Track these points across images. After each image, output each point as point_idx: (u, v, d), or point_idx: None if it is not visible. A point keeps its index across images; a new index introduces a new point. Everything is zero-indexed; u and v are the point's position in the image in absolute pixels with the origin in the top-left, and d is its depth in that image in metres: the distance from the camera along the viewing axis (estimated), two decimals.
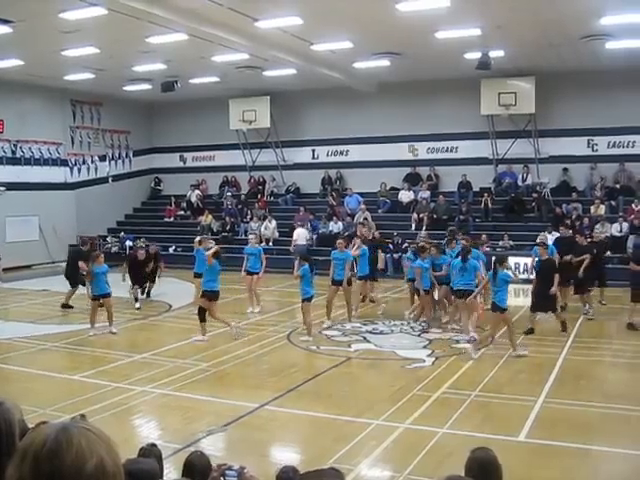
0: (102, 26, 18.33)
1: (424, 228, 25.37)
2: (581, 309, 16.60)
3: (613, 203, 25.43)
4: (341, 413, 9.65)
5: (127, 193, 33.12)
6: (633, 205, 24.42)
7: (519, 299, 18.75)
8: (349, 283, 16.63)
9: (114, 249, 29.78)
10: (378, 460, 8.18)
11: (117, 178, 32.55)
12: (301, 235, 26.20)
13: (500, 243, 23.78)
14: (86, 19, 17.23)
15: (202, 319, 14.60)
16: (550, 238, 19.80)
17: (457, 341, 14.32)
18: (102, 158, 31.85)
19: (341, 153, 30.67)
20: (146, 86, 27.69)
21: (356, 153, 30.03)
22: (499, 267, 13.23)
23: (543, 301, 14.86)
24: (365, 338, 14.85)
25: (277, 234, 27.51)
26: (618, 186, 25.97)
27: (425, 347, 13.99)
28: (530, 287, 16.97)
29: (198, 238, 18.36)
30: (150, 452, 4.86)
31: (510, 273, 14.92)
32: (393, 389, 11.05)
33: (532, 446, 8.44)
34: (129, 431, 9.07)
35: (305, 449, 8.82)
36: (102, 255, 16.02)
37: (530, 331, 14.78)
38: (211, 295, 14.61)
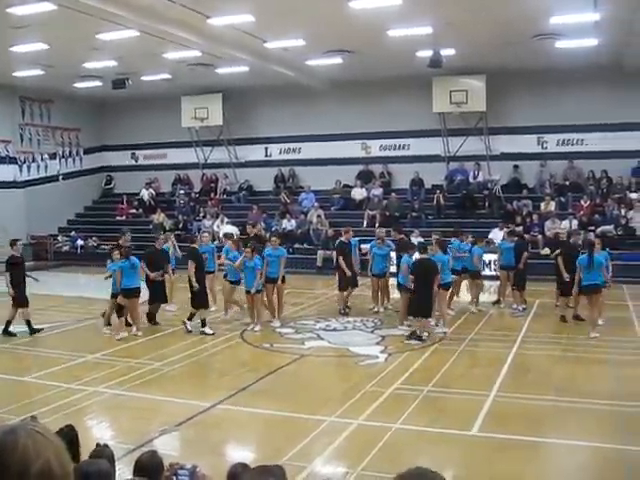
0: (52, 22, 18.03)
1: (377, 225, 25.48)
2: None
3: (562, 200, 25.84)
4: (295, 410, 9.65)
5: (78, 191, 32.65)
6: (582, 202, 24.84)
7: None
8: (282, 280, 16.57)
9: (65, 248, 29.43)
10: (332, 457, 8.21)
11: (68, 176, 32.10)
12: (228, 229, 26.63)
13: (452, 240, 23.92)
14: (35, 14, 16.91)
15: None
16: (499, 235, 19.96)
17: (422, 339, 14.22)
18: (52, 156, 31.34)
19: (294, 151, 30.67)
20: (97, 83, 27.34)
21: (309, 151, 30.04)
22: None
23: (419, 305, 14.27)
24: (319, 335, 14.87)
25: (237, 230, 27.37)
26: (567, 183, 26.42)
27: (378, 343, 14.05)
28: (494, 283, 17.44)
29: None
30: (102, 453, 4.81)
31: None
32: (346, 386, 11.10)
33: (484, 440, 8.54)
34: (81, 432, 8.84)
35: (259, 447, 8.81)
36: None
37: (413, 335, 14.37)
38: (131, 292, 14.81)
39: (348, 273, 17.03)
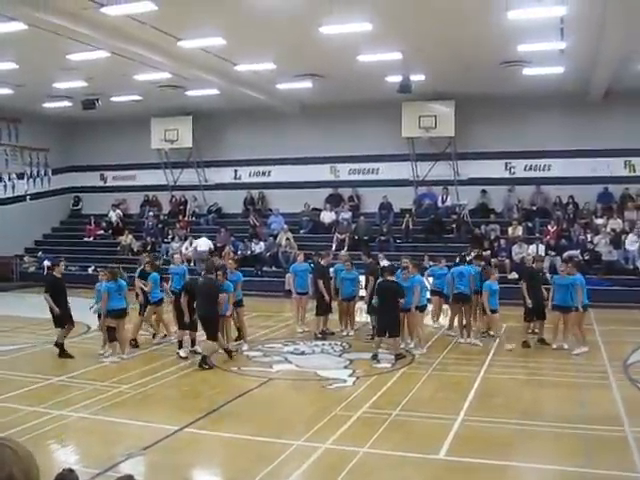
0: (22, 41, 17.99)
1: (345, 248, 25.52)
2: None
3: (530, 225, 26.11)
4: (262, 434, 9.60)
5: (46, 212, 32.42)
6: (549, 227, 25.14)
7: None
8: (241, 304, 16.47)
9: (31, 269, 29.13)
10: None
11: (35, 196, 31.86)
12: (202, 244, 27.00)
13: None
14: (5, 33, 16.87)
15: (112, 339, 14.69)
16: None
17: (378, 361, 14.37)
18: (20, 176, 31.13)
19: (263, 174, 30.73)
20: (67, 103, 27.24)
21: (278, 174, 30.14)
22: None
23: (386, 325, 14.52)
24: (287, 359, 14.82)
25: (211, 245, 27.25)
26: (534, 208, 26.75)
27: (346, 367, 14.04)
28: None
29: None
30: (67, 478, 4.74)
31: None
32: (314, 409, 11.06)
33: (451, 463, 8.56)
34: (45, 456, 8.82)
35: (225, 471, 8.76)
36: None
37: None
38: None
39: (327, 298, 17.16)
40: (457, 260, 18.22)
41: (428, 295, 17.31)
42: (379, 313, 14.83)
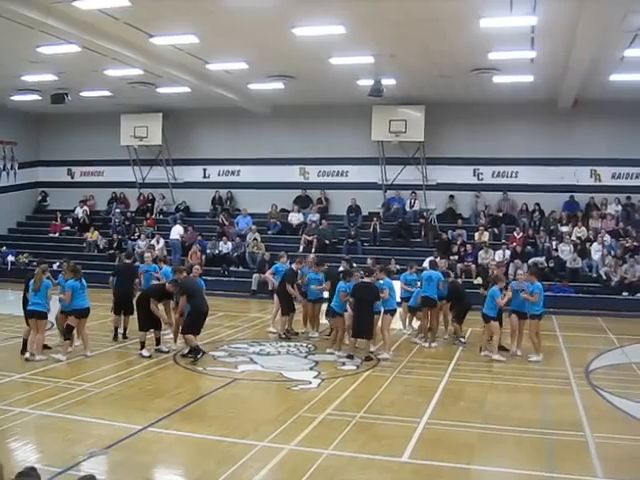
0: None
1: (313, 250, 25.54)
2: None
3: (496, 231, 26.34)
4: (226, 435, 9.57)
5: (11, 206, 32.04)
6: (515, 233, 25.38)
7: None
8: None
9: None
10: None
11: (1, 190, 31.46)
12: (174, 232, 27.57)
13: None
14: None
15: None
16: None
17: (343, 363, 14.44)
18: None
19: (232, 173, 30.65)
20: (35, 97, 26.98)
21: (247, 174, 30.11)
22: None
23: (361, 326, 14.73)
24: (252, 359, 14.79)
25: (166, 252, 27.06)
26: (501, 214, 27.00)
27: (311, 369, 14.05)
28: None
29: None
30: (29, 476, 4.71)
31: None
32: (279, 411, 11.06)
33: (415, 466, 8.60)
34: (5, 454, 8.70)
35: (188, 471, 8.70)
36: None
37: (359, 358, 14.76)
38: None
39: (301, 299, 17.41)
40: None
41: (398, 299, 17.31)
42: (355, 314, 14.86)
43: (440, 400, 11.82)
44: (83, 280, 14.78)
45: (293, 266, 17.80)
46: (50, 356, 14.24)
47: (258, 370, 13.95)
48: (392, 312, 15.54)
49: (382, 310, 15.11)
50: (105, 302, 17.48)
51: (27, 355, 13.96)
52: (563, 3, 14.89)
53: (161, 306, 15.15)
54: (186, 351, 14.76)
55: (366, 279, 15.28)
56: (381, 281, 15.23)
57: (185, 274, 15.57)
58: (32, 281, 14.25)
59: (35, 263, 25.99)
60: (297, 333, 17.56)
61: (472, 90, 23.87)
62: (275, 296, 18.10)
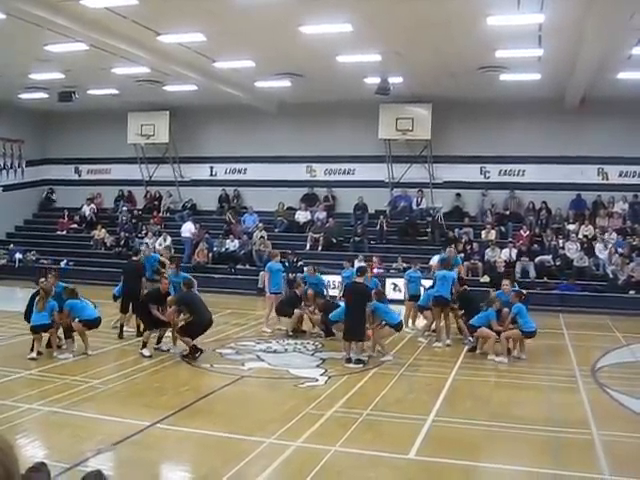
0: (0, 31, 17.85)
1: (320, 248, 25.55)
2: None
3: (503, 229, 26.32)
4: (233, 432, 9.60)
5: (18, 204, 32.09)
6: (521, 231, 25.36)
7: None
8: None
9: (2, 261, 28.85)
10: (269, 479, 8.19)
11: (8, 188, 31.55)
12: (185, 229, 27.45)
13: (394, 265, 24.24)
14: None
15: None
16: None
17: (364, 363, 14.38)
18: None
19: (239, 171, 30.67)
20: (43, 95, 27.05)
21: (254, 172, 30.11)
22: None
23: (353, 328, 14.48)
24: (259, 357, 14.83)
25: (173, 251, 27.14)
26: (508, 212, 26.96)
27: (318, 366, 14.08)
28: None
29: None
30: (39, 471, 4.72)
31: None
32: (285, 408, 11.08)
33: (421, 463, 8.62)
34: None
35: (195, 468, 8.73)
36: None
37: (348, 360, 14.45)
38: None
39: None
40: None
41: (403, 297, 17.34)
42: (346, 316, 14.74)
43: (446, 398, 11.83)
44: (83, 300, 14.94)
45: (305, 270, 18.75)
46: (56, 356, 14.30)
47: (265, 367, 13.97)
48: (396, 327, 15.12)
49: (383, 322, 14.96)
50: (112, 299, 17.50)
51: (33, 354, 13.98)
52: (570, 1, 14.88)
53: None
54: (185, 353, 14.70)
55: (358, 279, 15.07)
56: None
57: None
58: (37, 299, 14.30)
59: (43, 261, 26.28)
60: (304, 331, 17.59)
61: (479, 88, 23.84)
62: (268, 295, 18.37)
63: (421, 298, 17.44)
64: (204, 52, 20.35)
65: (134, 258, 18.21)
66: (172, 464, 9.09)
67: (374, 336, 14.99)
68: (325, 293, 18.42)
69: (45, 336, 14.44)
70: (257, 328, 18.41)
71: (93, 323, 14.72)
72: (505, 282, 15.96)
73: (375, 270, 21.91)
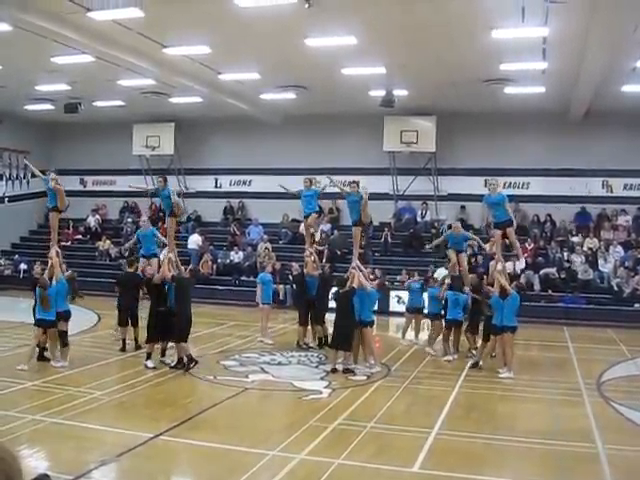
0: (6, 42, 17.97)
1: (324, 260, 25.51)
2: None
3: (507, 241, 26.20)
4: (236, 444, 9.57)
5: (23, 214, 32.18)
6: (526, 244, 25.30)
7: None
8: None
9: (6, 272, 28.88)
10: None
11: (14, 199, 31.62)
12: (191, 241, 27.37)
13: (398, 277, 24.19)
14: None
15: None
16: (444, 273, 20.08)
17: (353, 372, 14.40)
18: None
19: (244, 183, 30.73)
20: (49, 106, 27.17)
21: (259, 184, 30.13)
22: None
23: (338, 337, 14.52)
24: (263, 369, 14.80)
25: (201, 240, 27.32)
26: None
27: (322, 379, 14.05)
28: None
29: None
30: None
31: None
32: (289, 420, 11.07)
33: (425, 477, 8.58)
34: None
35: None
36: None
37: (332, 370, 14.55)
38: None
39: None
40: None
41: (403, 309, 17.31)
42: (334, 324, 14.78)
43: (450, 411, 11.79)
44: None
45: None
46: (52, 365, 14.30)
47: (269, 380, 13.95)
48: (370, 324, 15.01)
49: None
50: (115, 310, 17.46)
51: (24, 367, 13.82)
52: (574, 14, 14.92)
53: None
54: (173, 364, 14.59)
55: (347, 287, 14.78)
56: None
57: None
58: (39, 300, 14.34)
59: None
60: (310, 347, 17.46)
61: (484, 101, 23.89)
62: (261, 306, 18.39)
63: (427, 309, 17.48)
64: (209, 64, 20.43)
65: (129, 270, 17.83)
66: (176, 476, 9.08)
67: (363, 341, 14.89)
68: None
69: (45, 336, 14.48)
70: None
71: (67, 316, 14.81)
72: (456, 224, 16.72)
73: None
